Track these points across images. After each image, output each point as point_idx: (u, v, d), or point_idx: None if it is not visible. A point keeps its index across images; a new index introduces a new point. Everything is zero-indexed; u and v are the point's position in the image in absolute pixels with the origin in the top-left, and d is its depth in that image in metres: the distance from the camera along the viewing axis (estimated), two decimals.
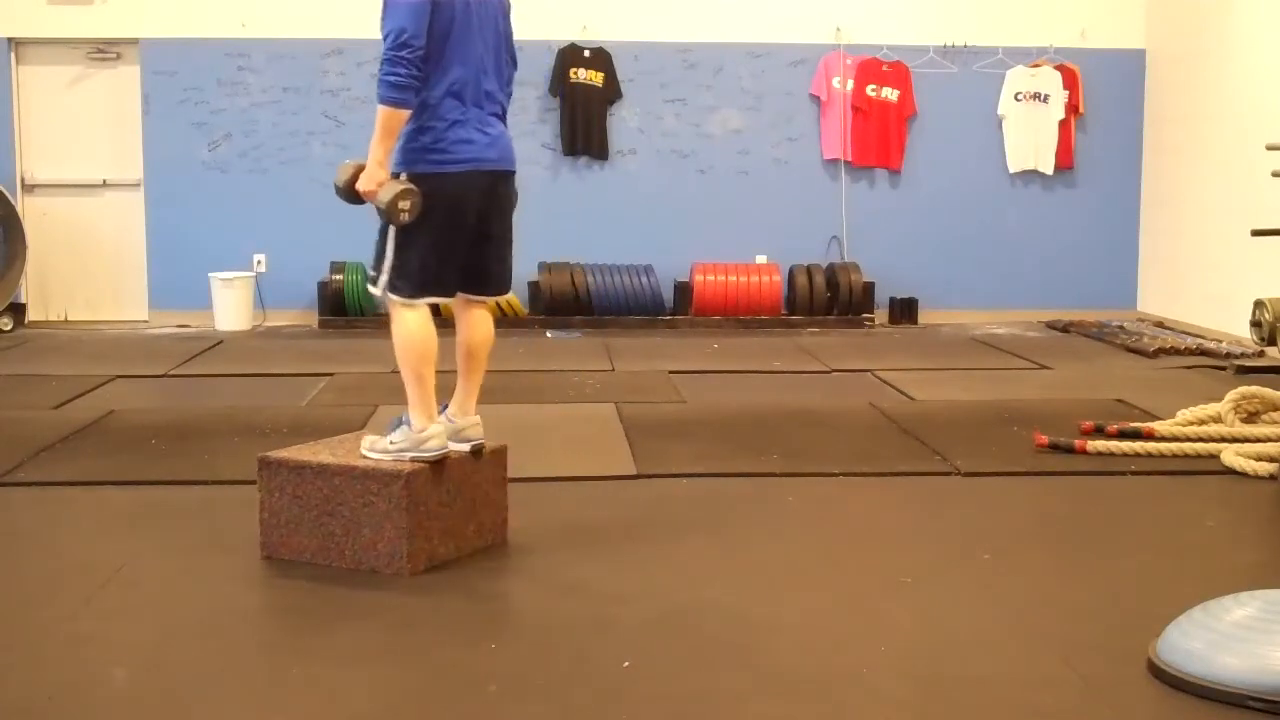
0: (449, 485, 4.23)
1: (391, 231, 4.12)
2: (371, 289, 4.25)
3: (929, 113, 10.66)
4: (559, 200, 10.41)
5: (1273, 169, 7.67)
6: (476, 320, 4.34)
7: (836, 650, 3.56)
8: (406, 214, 4.01)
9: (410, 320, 4.15)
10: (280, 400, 7.10)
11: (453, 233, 4.16)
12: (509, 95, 4.36)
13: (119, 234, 10.42)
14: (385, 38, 4.03)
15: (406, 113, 4.04)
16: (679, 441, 6.01)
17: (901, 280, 10.63)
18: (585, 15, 10.42)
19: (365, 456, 4.18)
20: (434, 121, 4.10)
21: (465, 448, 4.26)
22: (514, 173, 4.33)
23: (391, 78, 3.99)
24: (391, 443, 4.16)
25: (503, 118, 4.28)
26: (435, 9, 4.06)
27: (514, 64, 4.39)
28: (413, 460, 4.11)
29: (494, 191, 4.24)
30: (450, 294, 4.27)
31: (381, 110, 4.02)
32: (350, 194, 4.14)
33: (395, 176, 4.10)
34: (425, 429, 4.13)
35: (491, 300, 4.40)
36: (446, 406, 4.31)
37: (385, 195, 4.01)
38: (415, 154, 4.12)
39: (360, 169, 4.12)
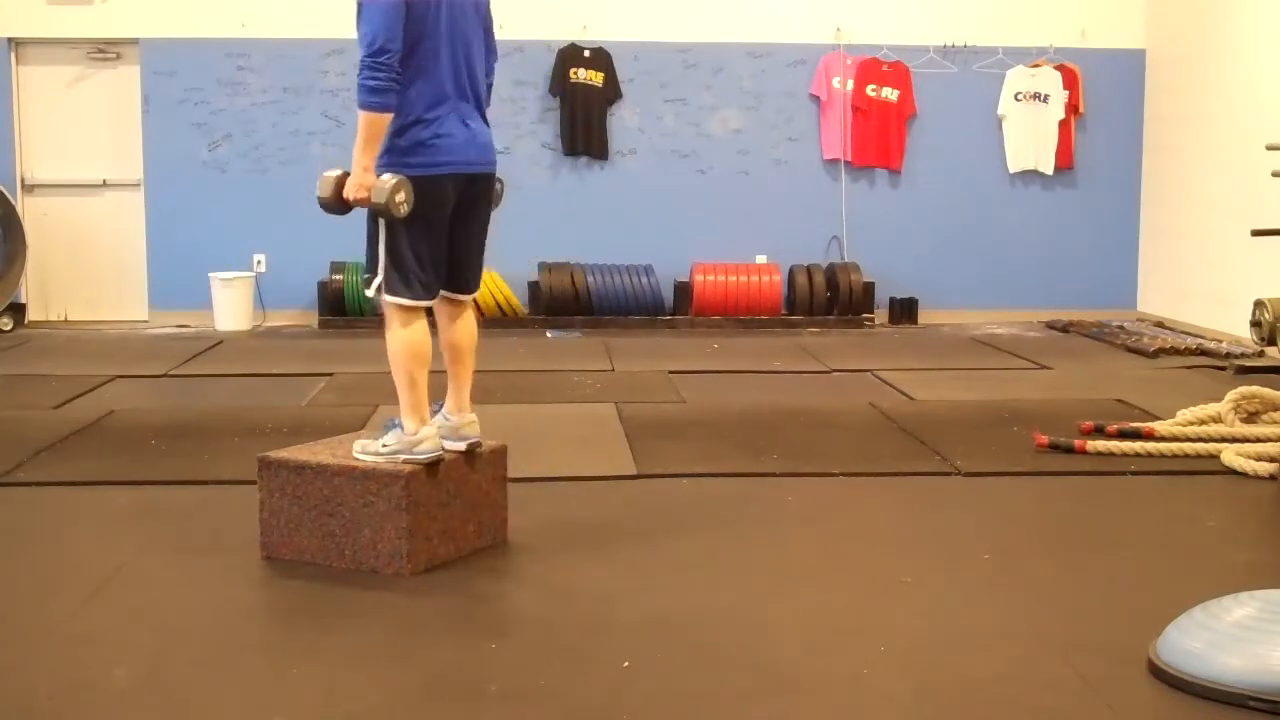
0: (449, 485, 4.23)
1: (382, 235, 4.11)
2: (368, 292, 4.25)
3: (929, 113, 10.66)
4: (559, 200, 10.42)
5: (1273, 169, 7.67)
6: (463, 321, 4.33)
7: (836, 650, 3.56)
8: (405, 205, 4.01)
9: (404, 322, 4.15)
10: (280, 400, 7.10)
11: (437, 233, 4.17)
12: (489, 87, 4.35)
13: (119, 234, 10.41)
14: (361, 43, 4.04)
15: (388, 116, 4.04)
16: (679, 441, 6.01)
17: (901, 280, 10.63)
18: (585, 15, 10.41)
19: (357, 459, 4.18)
20: (412, 123, 4.10)
21: (461, 446, 4.26)
22: (493, 174, 4.32)
23: (371, 82, 4.01)
24: (384, 445, 4.16)
25: (482, 111, 4.27)
26: (410, 7, 4.05)
27: (494, 54, 4.37)
28: (405, 462, 4.11)
29: (472, 191, 4.24)
30: (436, 295, 4.26)
31: (363, 116, 4.04)
32: (338, 204, 4.13)
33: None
34: (418, 431, 4.13)
35: (470, 299, 4.38)
36: (441, 406, 4.31)
37: (379, 195, 4.00)
38: (396, 157, 4.10)
39: (342, 179, 4.11)
